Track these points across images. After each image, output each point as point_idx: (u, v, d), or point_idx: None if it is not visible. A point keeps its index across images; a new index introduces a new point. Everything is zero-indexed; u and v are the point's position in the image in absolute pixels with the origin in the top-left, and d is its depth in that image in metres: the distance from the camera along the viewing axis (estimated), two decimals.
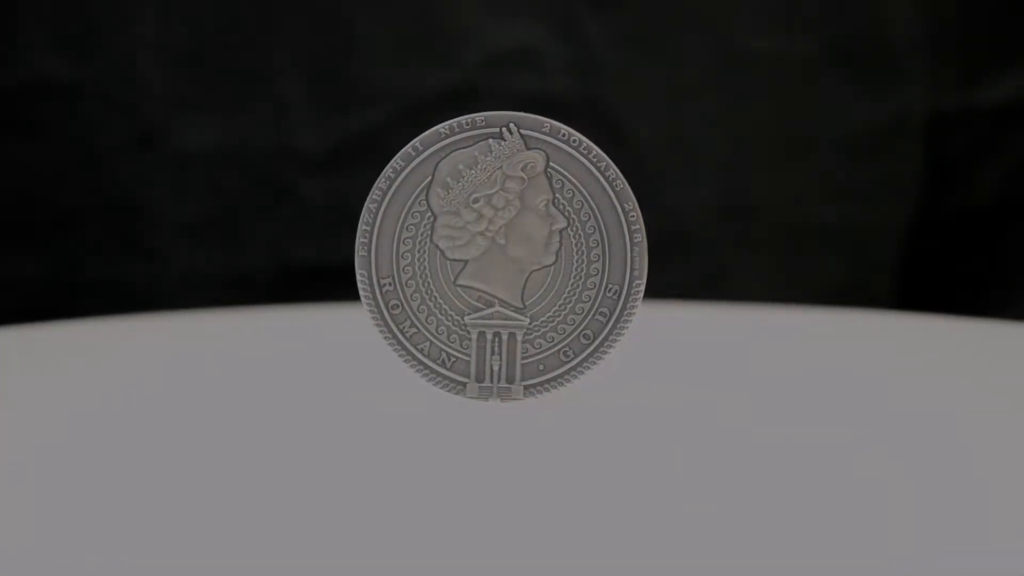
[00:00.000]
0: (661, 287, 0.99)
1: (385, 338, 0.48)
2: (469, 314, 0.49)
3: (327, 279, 0.98)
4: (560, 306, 0.49)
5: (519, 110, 0.51)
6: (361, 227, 0.48)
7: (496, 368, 0.49)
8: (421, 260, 0.48)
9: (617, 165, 0.51)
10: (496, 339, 0.49)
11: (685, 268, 0.99)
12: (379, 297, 0.48)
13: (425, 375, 0.48)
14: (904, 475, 0.42)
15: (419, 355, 0.48)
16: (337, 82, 0.97)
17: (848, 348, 0.68)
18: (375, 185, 0.48)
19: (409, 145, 0.48)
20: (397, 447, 0.45)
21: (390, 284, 0.48)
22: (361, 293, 0.48)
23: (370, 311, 0.48)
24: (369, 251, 0.48)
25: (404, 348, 0.48)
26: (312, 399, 0.52)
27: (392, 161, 0.48)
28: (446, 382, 0.48)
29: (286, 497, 0.39)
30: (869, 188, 0.99)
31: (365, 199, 0.48)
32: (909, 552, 0.34)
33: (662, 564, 0.34)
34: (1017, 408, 0.52)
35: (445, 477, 0.42)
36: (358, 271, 0.48)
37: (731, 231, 0.99)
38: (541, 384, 0.49)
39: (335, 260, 0.97)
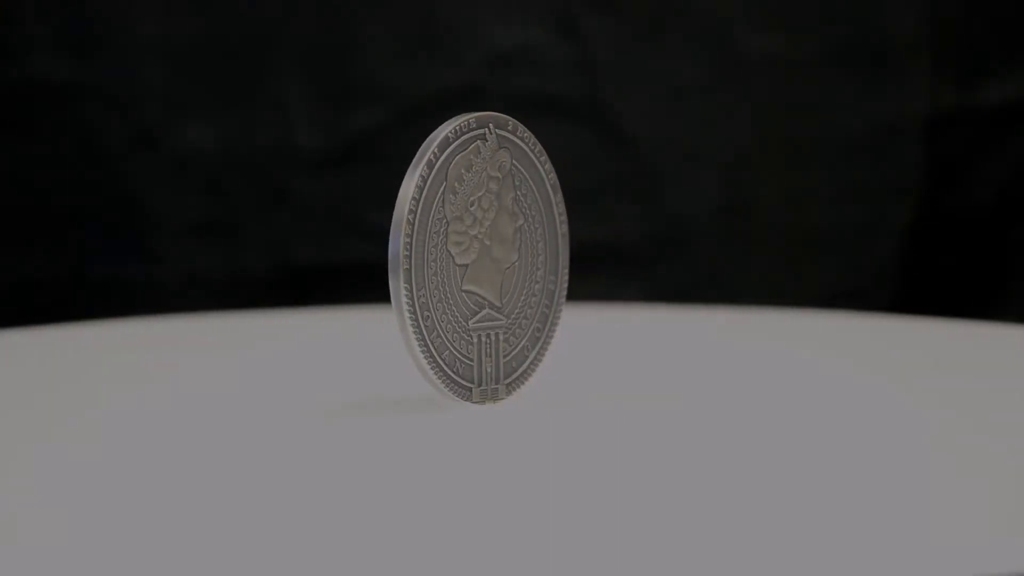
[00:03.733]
0: (660, 287, 0.99)
1: (421, 350, 0.47)
2: (471, 319, 0.49)
3: (327, 279, 0.98)
4: (522, 302, 0.50)
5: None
6: (402, 239, 0.46)
7: (489, 371, 0.49)
8: (440, 268, 0.48)
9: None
10: (487, 341, 0.49)
11: (684, 268, 0.99)
12: (418, 309, 0.47)
13: (445, 382, 0.48)
14: (893, 476, 0.42)
15: (442, 364, 0.48)
16: (337, 82, 0.97)
17: (844, 351, 0.68)
18: (408, 195, 0.47)
19: (429, 152, 0.47)
20: (388, 455, 0.45)
21: (424, 295, 0.47)
22: (404, 307, 0.47)
23: (411, 324, 0.47)
24: (411, 263, 0.47)
25: (432, 358, 0.48)
26: (306, 406, 0.52)
27: (419, 169, 0.47)
28: (456, 388, 0.48)
29: (283, 503, 0.40)
30: (869, 188, 0.99)
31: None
32: (892, 553, 0.34)
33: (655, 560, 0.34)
34: (1013, 411, 0.52)
35: (437, 486, 0.42)
36: (402, 284, 0.47)
37: (731, 232, 0.99)
38: (516, 380, 0.50)
39: (335, 260, 0.97)
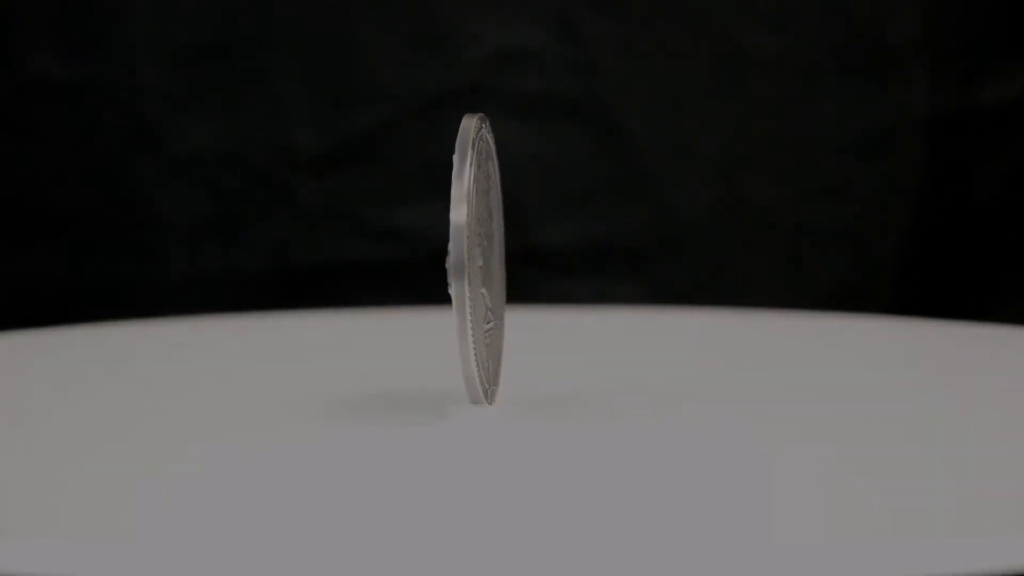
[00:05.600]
0: (659, 287, 0.99)
1: (475, 352, 0.47)
2: (487, 321, 0.49)
3: (327, 279, 0.98)
4: (496, 303, 0.51)
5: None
6: (465, 242, 0.46)
7: (491, 371, 0.50)
8: (472, 271, 0.48)
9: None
10: (488, 342, 0.50)
11: (684, 269, 0.99)
12: (475, 312, 0.47)
13: (479, 384, 0.48)
14: (893, 476, 0.42)
15: (478, 366, 0.48)
16: (337, 82, 0.97)
17: (843, 351, 0.68)
18: (463, 197, 0.47)
19: (469, 154, 0.47)
20: (403, 458, 0.45)
21: (473, 299, 0.48)
22: (467, 312, 0.46)
23: (472, 328, 0.47)
24: (469, 266, 0.47)
25: (478, 360, 0.48)
26: (306, 407, 0.52)
27: (465, 172, 0.47)
28: (482, 389, 0.49)
29: (288, 504, 0.40)
30: (869, 188, 0.99)
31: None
32: (888, 552, 0.34)
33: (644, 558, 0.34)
34: (1009, 412, 0.52)
35: (456, 491, 0.42)
36: (466, 289, 0.47)
37: (730, 231, 0.99)
38: (498, 380, 0.50)
39: (335, 260, 0.97)
